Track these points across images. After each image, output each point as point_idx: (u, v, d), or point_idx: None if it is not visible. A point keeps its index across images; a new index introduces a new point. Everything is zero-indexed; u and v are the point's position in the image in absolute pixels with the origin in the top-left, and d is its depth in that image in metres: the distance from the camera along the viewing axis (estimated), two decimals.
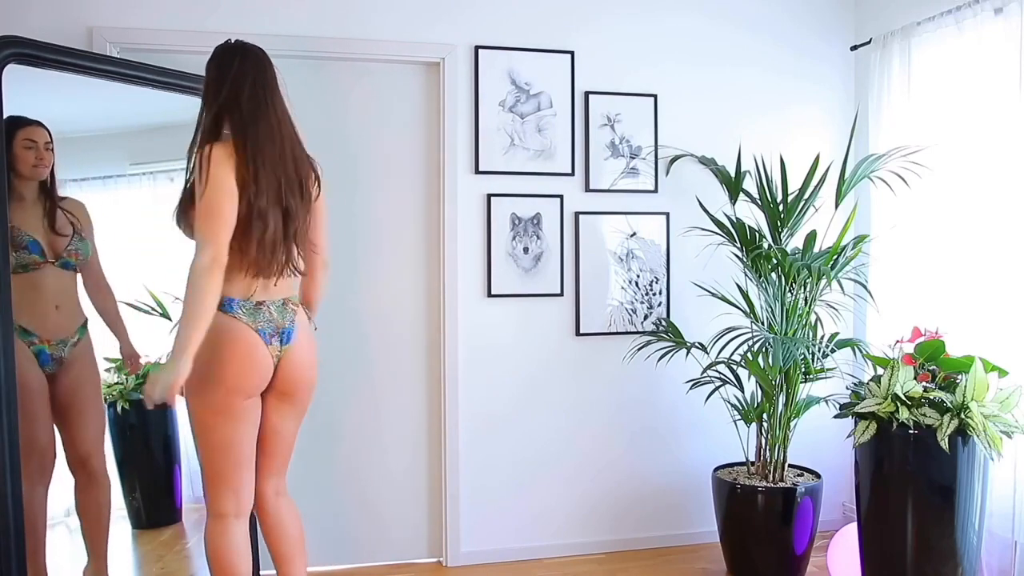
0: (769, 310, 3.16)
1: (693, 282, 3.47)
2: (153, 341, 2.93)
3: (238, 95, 2.16)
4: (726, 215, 3.28)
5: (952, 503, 2.61)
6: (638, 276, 3.48)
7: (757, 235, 3.23)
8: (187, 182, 2.19)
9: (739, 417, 3.25)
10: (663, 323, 3.48)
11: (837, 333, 3.25)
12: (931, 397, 2.64)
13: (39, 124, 2.54)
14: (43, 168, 2.56)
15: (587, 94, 3.40)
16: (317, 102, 3.20)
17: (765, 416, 3.18)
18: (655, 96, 3.47)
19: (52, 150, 2.57)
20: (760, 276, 3.17)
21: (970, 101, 3.05)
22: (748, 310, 3.26)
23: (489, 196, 3.32)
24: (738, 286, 3.35)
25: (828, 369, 3.14)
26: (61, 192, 2.64)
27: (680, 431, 3.56)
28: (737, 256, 3.32)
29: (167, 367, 1.99)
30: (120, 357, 2.87)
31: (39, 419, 2.52)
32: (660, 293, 3.51)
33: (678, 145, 3.51)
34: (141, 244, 2.92)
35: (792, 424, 3.16)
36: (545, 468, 3.43)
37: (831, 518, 3.58)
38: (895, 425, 2.64)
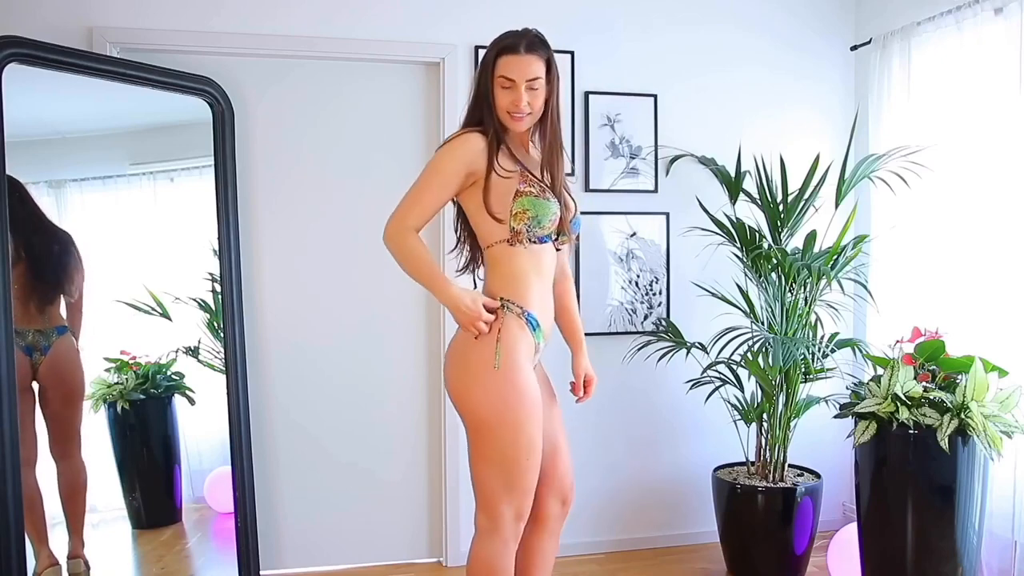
0: (769, 310, 3.16)
1: (693, 282, 3.46)
2: (153, 341, 2.94)
3: None
4: (726, 215, 3.28)
5: (952, 503, 2.61)
6: (638, 276, 3.48)
7: (757, 235, 3.23)
8: None
9: (739, 417, 3.25)
10: (663, 323, 3.47)
11: (837, 333, 3.25)
12: (931, 397, 2.64)
13: None
14: None
15: (587, 94, 3.39)
16: (317, 102, 3.21)
17: (765, 416, 3.18)
18: (655, 96, 3.47)
19: None
20: (760, 276, 3.17)
21: (970, 101, 3.05)
22: (748, 310, 3.26)
23: None
24: (738, 286, 3.35)
25: (828, 369, 3.14)
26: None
27: (680, 431, 3.56)
28: (737, 256, 3.31)
29: None
30: (120, 357, 2.88)
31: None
32: (660, 293, 3.51)
33: (678, 145, 3.50)
34: (141, 244, 2.92)
35: (792, 424, 3.16)
36: None
37: (831, 518, 3.58)
38: (895, 425, 2.64)
